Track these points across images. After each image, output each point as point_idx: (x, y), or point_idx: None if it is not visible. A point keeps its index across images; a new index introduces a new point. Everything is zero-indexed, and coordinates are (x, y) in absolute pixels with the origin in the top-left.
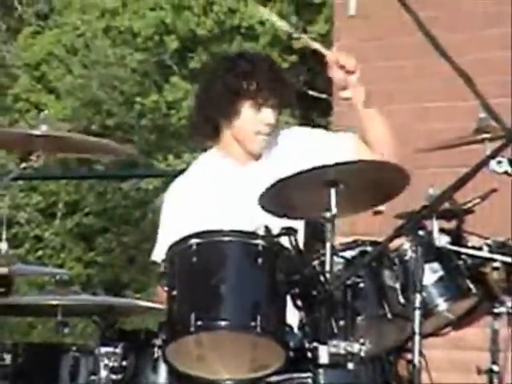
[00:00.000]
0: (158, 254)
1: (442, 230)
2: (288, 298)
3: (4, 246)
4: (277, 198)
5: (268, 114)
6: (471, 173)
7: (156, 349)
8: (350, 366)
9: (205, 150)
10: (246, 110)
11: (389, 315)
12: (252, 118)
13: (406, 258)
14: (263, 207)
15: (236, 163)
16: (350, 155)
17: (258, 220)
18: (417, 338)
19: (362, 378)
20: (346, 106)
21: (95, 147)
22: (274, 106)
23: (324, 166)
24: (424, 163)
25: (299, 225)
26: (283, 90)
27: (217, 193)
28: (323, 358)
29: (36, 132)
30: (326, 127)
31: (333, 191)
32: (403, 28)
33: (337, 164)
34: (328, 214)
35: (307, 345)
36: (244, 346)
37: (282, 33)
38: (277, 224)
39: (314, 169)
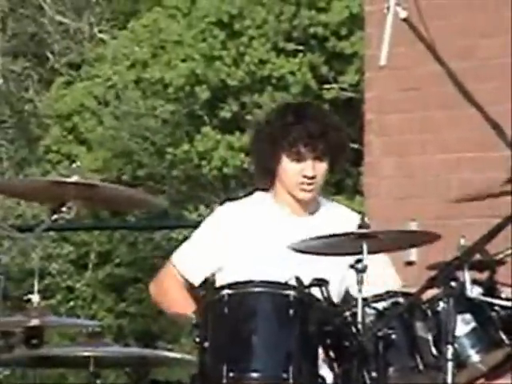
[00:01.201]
0: (178, 257)
1: (474, 281)
2: (320, 349)
3: (36, 297)
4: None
5: (306, 167)
6: (503, 224)
7: None
8: None
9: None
10: (285, 161)
11: (421, 366)
12: (291, 169)
13: (439, 309)
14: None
15: (287, 212)
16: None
17: (294, 271)
18: None
19: None
20: (377, 156)
21: (126, 197)
22: (318, 159)
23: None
24: (456, 214)
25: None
26: (327, 143)
27: (259, 235)
28: None
29: (68, 180)
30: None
31: (365, 244)
32: (434, 78)
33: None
34: (359, 265)
35: None
36: None
37: (313, 83)
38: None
39: (348, 234)
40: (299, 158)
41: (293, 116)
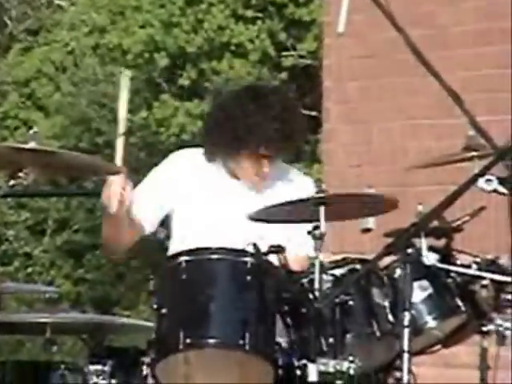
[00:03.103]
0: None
1: (430, 248)
2: (277, 315)
3: None
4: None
5: (263, 164)
6: (460, 191)
7: (145, 367)
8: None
9: None
10: (245, 158)
11: (378, 333)
12: (248, 167)
13: (395, 275)
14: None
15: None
16: None
17: (249, 237)
18: (406, 355)
19: None
20: (335, 123)
21: (84, 164)
22: (275, 158)
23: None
24: (413, 181)
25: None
26: (289, 144)
27: (210, 191)
28: (312, 376)
29: (25, 146)
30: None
31: (322, 209)
32: (392, 46)
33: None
34: (317, 232)
35: (296, 363)
36: (233, 364)
37: (272, 50)
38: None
39: (301, 200)
40: (258, 159)
41: (255, 115)
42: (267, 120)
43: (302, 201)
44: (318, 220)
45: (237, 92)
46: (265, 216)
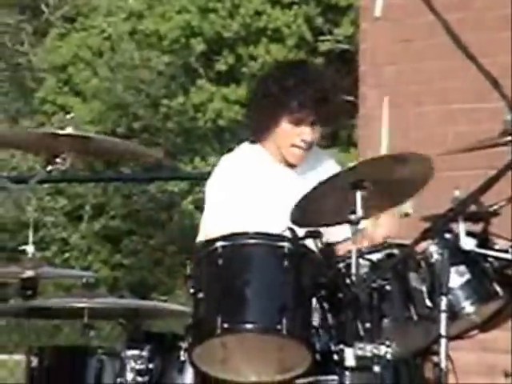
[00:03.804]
0: (212, 228)
1: (468, 233)
2: (314, 300)
3: (31, 248)
4: (307, 211)
5: (305, 131)
6: (497, 175)
7: (182, 352)
8: (376, 368)
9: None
10: (284, 123)
11: (415, 317)
12: (289, 132)
13: (433, 260)
14: (294, 222)
15: (277, 163)
16: None
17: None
18: (443, 340)
19: (388, 381)
20: (371, 108)
21: (121, 150)
22: (315, 124)
23: (349, 168)
24: (450, 166)
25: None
26: (327, 110)
27: (257, 186)
28: (349, 361)
29: (62, 132)
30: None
31: (358, 194)
32: (429, 30)
33: (361, 163)
34: (353, 217)
35: (333, 347)
36: (270, 349)
37: (308, 35)
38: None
39: (339, 173)
40: (298, 123)
41: (293, 79)
42: (302, 83)
43: (336, 176)
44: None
45: (275, 66)
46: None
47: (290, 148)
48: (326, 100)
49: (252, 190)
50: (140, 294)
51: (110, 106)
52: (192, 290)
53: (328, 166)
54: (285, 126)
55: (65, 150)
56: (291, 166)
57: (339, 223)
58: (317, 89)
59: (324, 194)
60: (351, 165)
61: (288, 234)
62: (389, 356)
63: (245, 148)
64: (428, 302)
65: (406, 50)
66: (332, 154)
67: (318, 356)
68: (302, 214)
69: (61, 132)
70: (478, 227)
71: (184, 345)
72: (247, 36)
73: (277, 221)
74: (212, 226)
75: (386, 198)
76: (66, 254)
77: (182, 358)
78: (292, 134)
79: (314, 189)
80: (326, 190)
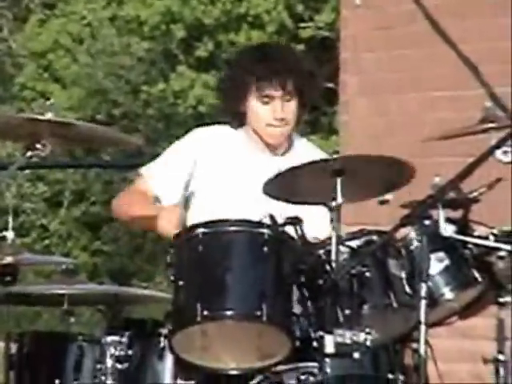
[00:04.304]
0: (148, 172)
1: (447, 220)
2: (294, 287)
3: (10, 234)
4: (282, 186)
5: (276, 108)
6: (477, 162)
7: (162, 338)
8: (356, 355)
9: None
10: (253, 102)
11: (394, 304)
12: (261, 111)
13: (412, 247)
14: (267, 193)
15: (259, 148)
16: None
17: (265, 209)
18: (422, 327)
19: (367, 368)
20: (352, 95)
21: (101, 136)
22: (286, 99)
23: (331, 159)
24: (430, 152)
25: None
26: (295, 82)
27: (231, 166)
28: (329, 348)
29: (42, 118)
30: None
31: (339, 180)
32: (409, 17)
33: (345, 157)
34: (333, 203)
35: (313, 334)
36: (250, 336)
37: (289, 22)
38: (288, 213)
39: (321, 160)
40: (267, 99)
41: (257, 55)
42: (263, 58)
43: (316, 162)
44: (335, 194)
45: (243, 48)
46: (279, 190)
47: (265, 128)
48: (291, 69)
49: (218, 165)
50: (120, 280)
51: (90, 93)
52: (172, 277)
53: (311, 155)
54: (255, 106)
55: (45, 136)
56: (274, 151)
57: (310, 204)
58: (278, 61)
59: (300, 175)
60: (332, 157)
61: (268, 220)
62: (368, 343)
63: (225, 128)
64: (408, 289)
65: (386, 38)
66: (322, 153)
67: (297, 343)
68: (275, 187)
69: (41, 117)
70: (457, 214)
71: (164, 331)
72: (228, 22)
73: (251, 207)
74: (150, 175)
75: (364, 190)
76: (46, 241)
77: (162, 345)
78: (264, 113)
79: (293, 168)
80: (303, 172)
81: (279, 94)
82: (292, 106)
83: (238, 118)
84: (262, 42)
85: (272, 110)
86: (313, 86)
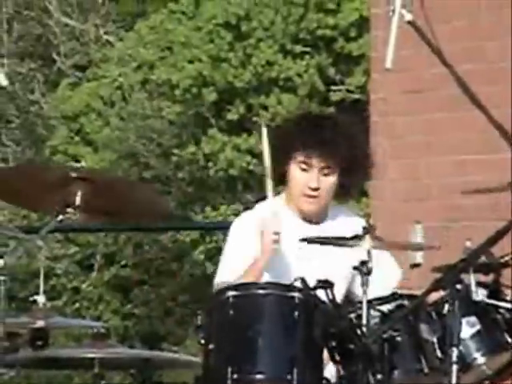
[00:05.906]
0: (221, 275)
1: (479, 284)
2: (325, 351)
3: (42, 298)
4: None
5: (312, 177)
6: (508, 227)
7: None
8: None
9: (245, 203)
10: (293, 168)
11: (426, 369)
12: (299, 179)
13: (444, 311)
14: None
15: (297, 217)
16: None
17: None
18: None
19: None
20: (382, 157)
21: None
22: (326, 171)
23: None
24: (461, 216)
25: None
26: (337, 155)
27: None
28: None
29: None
30: None
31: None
32: (439, 81)
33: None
34: (364, 268)
35: None
36: None
37: (320, 85)
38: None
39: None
40: (306, 167)
41: (307, 123)
42: (307, 127)
43: (352, 238)
44: None
45: (295, 113)
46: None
47: (301, 197)
48: (336, 143)
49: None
50: (151, 344)
51: (121, 156)
52: (202, 340)
53: (354, 229)
54: (294, 172)
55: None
56: (312, 220)
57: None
58: (328, 132)
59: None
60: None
61: (299, 284)
62: None
63: (266, 203)
64: (439, 354)
65: (416, 101)
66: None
67: None
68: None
69: (74, 174)
70: (488, 278)
71: None
72: (259, 86)
73: (289, 274)
74: (220, 279)
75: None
76: (77, 304)
77: None
78: (301, 181)
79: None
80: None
81: (319, 164)
82: (329, 181)
83: (280, 177)
84: (319, 112)
85: (309, 177)
86: (355, 162)
